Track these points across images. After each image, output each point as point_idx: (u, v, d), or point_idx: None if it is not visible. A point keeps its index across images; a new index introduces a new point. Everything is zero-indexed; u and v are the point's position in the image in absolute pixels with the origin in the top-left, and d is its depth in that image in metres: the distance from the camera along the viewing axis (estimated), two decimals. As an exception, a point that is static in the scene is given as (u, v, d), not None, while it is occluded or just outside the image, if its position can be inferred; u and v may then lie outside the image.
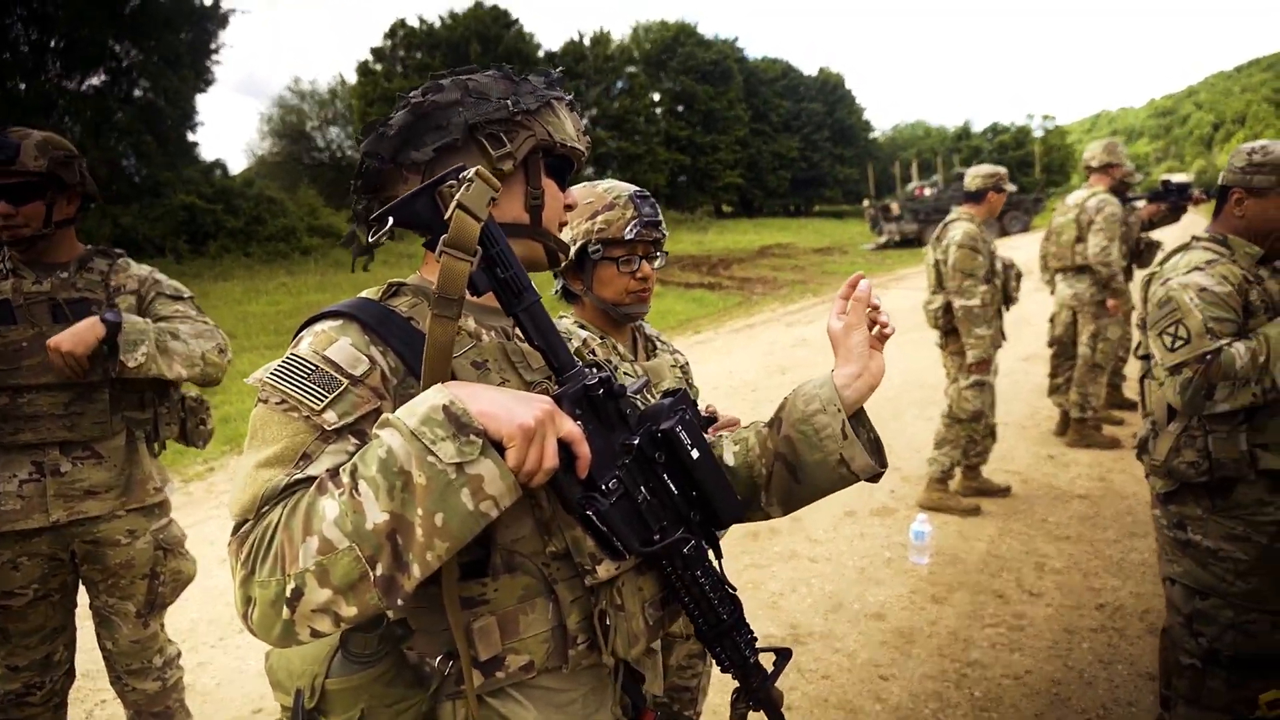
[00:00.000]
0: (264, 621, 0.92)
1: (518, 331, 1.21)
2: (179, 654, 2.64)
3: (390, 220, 1.07)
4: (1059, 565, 4.18)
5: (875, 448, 1.30)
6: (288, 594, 0.90)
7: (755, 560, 4.33)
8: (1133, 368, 2.57)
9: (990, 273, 4.79)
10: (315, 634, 0.93)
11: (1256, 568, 2.34)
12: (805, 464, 1.26)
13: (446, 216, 1.00)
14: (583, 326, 1.91)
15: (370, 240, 1.16)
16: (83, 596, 2.49)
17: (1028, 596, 3.88)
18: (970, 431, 4.96)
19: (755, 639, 1.25)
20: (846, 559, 4.35)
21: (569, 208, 1.29)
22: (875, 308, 1.30)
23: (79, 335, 2.16)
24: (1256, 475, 2.34)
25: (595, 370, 1.13)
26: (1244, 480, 2.35)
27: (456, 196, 1.00)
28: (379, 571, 0.90)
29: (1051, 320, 6.30)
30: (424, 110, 1.15)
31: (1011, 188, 5.08)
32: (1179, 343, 2.32)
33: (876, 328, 1.30)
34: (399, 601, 0.92)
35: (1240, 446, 2.34)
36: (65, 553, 2.35)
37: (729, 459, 1.34)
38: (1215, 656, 2.41)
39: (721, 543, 1.30)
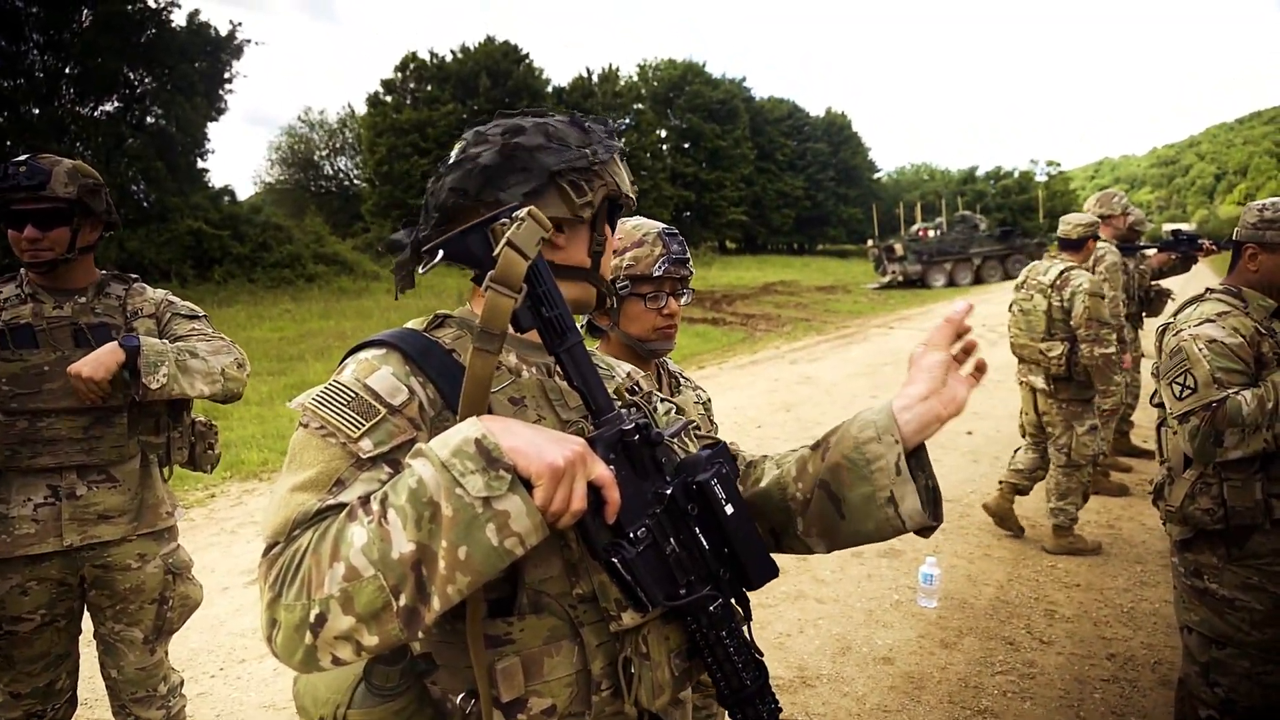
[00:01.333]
0: (287, 645, 0.92)
1: (559, 369, 1.22)
2: (182, 682, 2.60)
3: (440, 253, 1.08)
4: (1069, 613, 4.14)
5: (932, 497, 1.14)
6: (312, 619, 0.90)
7: (761, 599, 4.28)
8: (1146, 415, 2.58)
9: None
10: (337, 661, 0.93)
11: (1272, 619, 2.33)
12: (849, 498, 1.12)
13: (495, 253, 1.01)
14: None
15: (421, 270, 1.17)
16: (86, 624, 2.46)
17: (1038, 644, 3.83)
18: (1087, 475, 4.95)
19: (780, 709, 1.20)
20: (854, 600, 4.31)
21: (614, 252, 1.30)
22: (966, 330, 1.12)
23: (100, 361, 2.17)
24: (1271, 525, 2.34)
25: (633, 412, 1.12)
26: (1259, 529, 2.36)
27: (507, 234, 1.01)
28: (402, 602, 0.90)
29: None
30: (509, 151, 1.16)
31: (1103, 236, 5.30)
32: (1187, 391, 2.36)
33: (970, 361, 1.13)
34: (419, 634, 0.92)
35: (1255, 495, 2.35)
36: (74, 577, 2.34)
37: (765, 480, 1.26)
38: (1231, 707, 2.39)
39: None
